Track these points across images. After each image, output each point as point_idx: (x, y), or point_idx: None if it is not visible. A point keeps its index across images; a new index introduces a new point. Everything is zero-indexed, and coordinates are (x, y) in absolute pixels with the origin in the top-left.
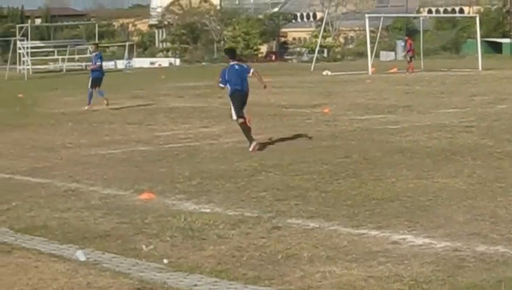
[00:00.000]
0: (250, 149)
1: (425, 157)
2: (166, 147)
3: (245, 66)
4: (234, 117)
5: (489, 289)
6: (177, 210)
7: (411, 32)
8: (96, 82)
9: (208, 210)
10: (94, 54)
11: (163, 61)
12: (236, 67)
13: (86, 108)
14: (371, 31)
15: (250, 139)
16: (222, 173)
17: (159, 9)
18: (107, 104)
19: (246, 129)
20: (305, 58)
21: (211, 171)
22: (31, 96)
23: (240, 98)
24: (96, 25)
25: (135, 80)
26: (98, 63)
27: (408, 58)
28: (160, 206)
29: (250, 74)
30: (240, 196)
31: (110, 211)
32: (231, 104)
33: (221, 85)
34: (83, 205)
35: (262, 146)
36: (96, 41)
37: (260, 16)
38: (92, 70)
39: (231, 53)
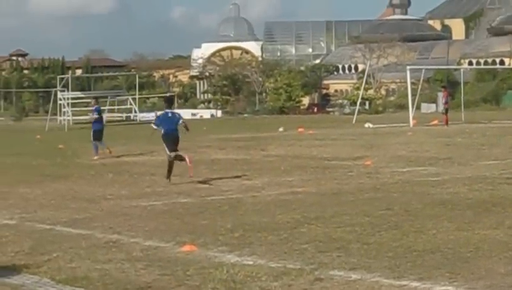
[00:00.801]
0: (166, 179)
1: (466, 209)
2: (208, 199)
3: (177, 115)
4: (168, 153)
5: None
6: (219, 262)
7: (452, 84)
8: (97, 134)
9: (251, 262)
10: (94, 107)
11: (205, 113)
12: (170, 114)
13: (95, 158)
14: (412, 83)
15: (168, 176)
16: (265, 225)
17: (200, 61)
18: (110, 152)
19: (170, 167)
20: (347, 110)
21: (254, 223)
22: (72, 147)
23: (170, 139)
24: (137, 75)
25: None
26: (95, 116)
27: (443, 110)
28: (202, 258)
29: (180, 123)
30: (282, 248)
31: (152, 262)
32: (164, 144)
33: (153, 126)
34: (124, 256)
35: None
36: (96, 96)
37: (302, 68)
38: (93, 123)
39: (169, 102)
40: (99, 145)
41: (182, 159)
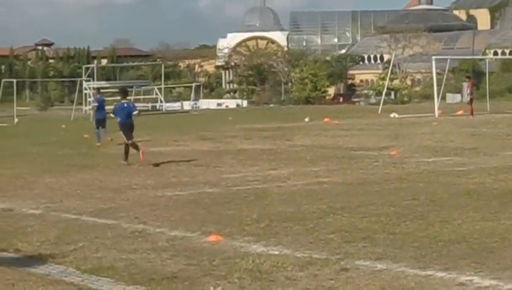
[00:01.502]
0: (122, 161)
1: (491, 199)
2: (234, 189)
3: (131, 105)
4: (126, 140)
5: None
6: (245, 252)
7: (477, 75)
8: (100, 123)
9: (277, 252)
10: (96, 97)
11: (231, 103)
12: (125, 105)
13: (97, 144)
14: (438, 73)
15: (125, 158)
16: (290, 215)
17: (226, 50)
18: (111, 140)
19: (127, 150)
20: (372, 100)
21: (279, 213)
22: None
23: (126, 127)
24: (162, 65)
25: (202, 122)
26: (94, 104)
27: (469, 101)
28: (228, 248)
29: (135, 113)
30: (308, 238)
31: (178, 252)
32: (121, 132)
33: (112, 115)
34: (150, 246)
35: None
36: (99, 86)
37: (327, 58)
38: (96, 112)
39: (124, 93)
40: (102, 134)
41: (137, 148)
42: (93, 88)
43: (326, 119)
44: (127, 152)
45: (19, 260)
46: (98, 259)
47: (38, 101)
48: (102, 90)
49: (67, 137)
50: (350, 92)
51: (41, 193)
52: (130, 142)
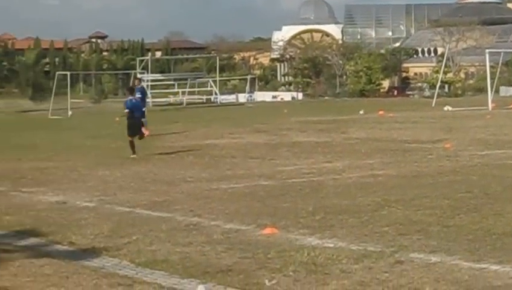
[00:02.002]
0: (131, 155)
1: None
2: (289, 181)
3: (139, 102)
4: (128, 133)
5: None
6: (300, 245)
7: None
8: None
9: (331, 245)
10: (137, 87)
11: (286, 95)
12: (134, 101)
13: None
14: (491, 66)
15: (132, 152)
16: (345, 208)
17: (281, 43)
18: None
19: (132, 145)
20: (426, 93)
21: (334, 206)
22: (151, 129)
23: (131, 122)
24: (217, 58)
25: (257, 114)
26: (138, 96)
27: None
28: (283, 241)
29: (143, 109)
30: (363, 231)
31: (232, 245)
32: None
33: (126, 111)
34: (205, 239)
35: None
36: (139, 76)
37: (382, 51)
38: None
39: (131, 91)
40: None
41: (132, 147)
42: (136, 78)
43: (380, 112)
44: (133, 146)
45: (73, 252)
46: (152, 252)
47: (92, 93)
48: (156, 83)
49: (121, 130)
50: (404, 85)
51: (95, 185)
52: (130, 139)
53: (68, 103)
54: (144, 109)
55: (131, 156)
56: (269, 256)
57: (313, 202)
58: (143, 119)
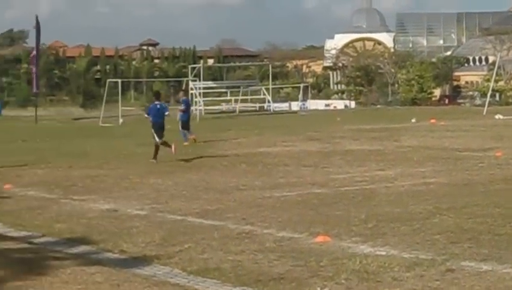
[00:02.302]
0: (151, 160)
1: None
2: (342, 189)
3: (164, 106)
4: (157, 139)
5: None
6: (352, 253)
7: None
8: (185, 124)
9: (383, 253)
10: (182, 99)
11: (338, 104)
12: (158, 106)
13: (184, 144)
14: None
15: (155, 156)
16: (397, 216)
17: (333, 51)
18: (195, 141)
19: (156, 149)
20: (477, 101)
21: (387, 214)
22: (203, 137)
23: (157, 127)
24: (270, 65)
25: (310, 122)
26: (181, 108)
27: None
28: (335, 249)
29: (166, 114)
30: (414, 239)
31: (285, 253)
32: (152, 130)
33: (146, 116)
34: (257, 247)
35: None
36: (191, 84)
37: (433, 60)
38: (181, 114)
39: (157, 96)
40: (187, 134)
41: (168, 145)
42: (181, 89)
43: (432, 121)
44: (156, 152)
45: (124, 260)
46: (204, 260)
47: (143, 101)
48: (209, 91)
49: (173, 138)
50: (455, 94)
51: (146, 193)
52: (160, 141)
53: (119, 111)
54: (188, 119)
55: (151, 160)
56: (321, 264)
57: (366, 210)
58: (187, 131)
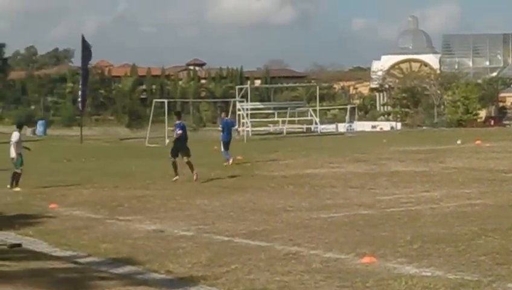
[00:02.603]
0: (174, 179)
1: None
2: (388, 210)
3: (183, 124)
4: (186, 158)
5: None
6: (398, 274)
7: None
8: (226, 144)
9: (429, 274)
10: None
11: (385, 125)
12: (182, 124)
13: (225, 164)
14: None
15: (175, 174)
16: (443, 237)
17: (380, 73)
18: (231, 163)
19: (174, 167)
20: None
21: (432, 235)
22: (250, 159)
23: (179, 143)
24: (317, 87)
25: (357, 144)
26: (178, 132)
27: None
28: (381, 270)
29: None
30: (460, 260)
31: (331, 274)
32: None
33: (178, 132)
34: (304, 268)
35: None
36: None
37: (479, 81)
38: (222, 135)
39: (179, 115)
40: (227, 155)
41: (192, 168)
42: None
43: (477, 142)
44: (175, 169)
45: (170, 281)
46: (250, 281)
47: (189, 121)
48: (256, 112)
49: (219, 159)
50: (501, 115)
51: (193, 214)
52: (186, 160)
53: (165, 131)
54: (229, 140)
55: (175, 178)
56: (367, 285)
57: (411, 231)
58: (227, 152)
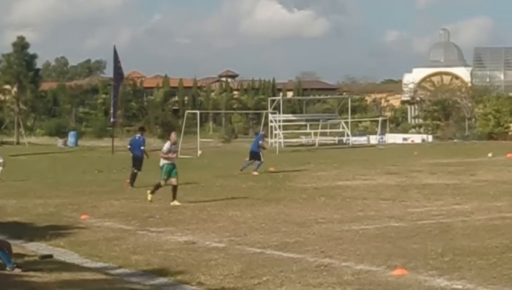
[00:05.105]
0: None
1: None
2: (419, 223)
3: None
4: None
5: None
6: (429, 286)
7: None
8: (253, 155)
9: (460, 286)
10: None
11: (416, 138)
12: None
13: (253, 173)
14: None
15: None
16: (474, 250)
17: (411, 85)
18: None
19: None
20: None
21: (463, 247)
22: (283, 170)
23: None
24: (349, 99)
25: (388, 156)
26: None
27: None
28: (412, 282)
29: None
30: (491, 273)
31: (363, 286)
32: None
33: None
34: (335, 280)
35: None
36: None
37: (510, 94)
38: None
39: (142, 129)
40: (246, 165)
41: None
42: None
43: (509, 155)
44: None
45: None
46: None
47: (221, 133)
48: (288, 123)
49: (249, 170)
50: None
51: (224, 226)
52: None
53: (198, 142)
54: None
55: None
56: None
57: (442, 243)
58: (256, 161)
